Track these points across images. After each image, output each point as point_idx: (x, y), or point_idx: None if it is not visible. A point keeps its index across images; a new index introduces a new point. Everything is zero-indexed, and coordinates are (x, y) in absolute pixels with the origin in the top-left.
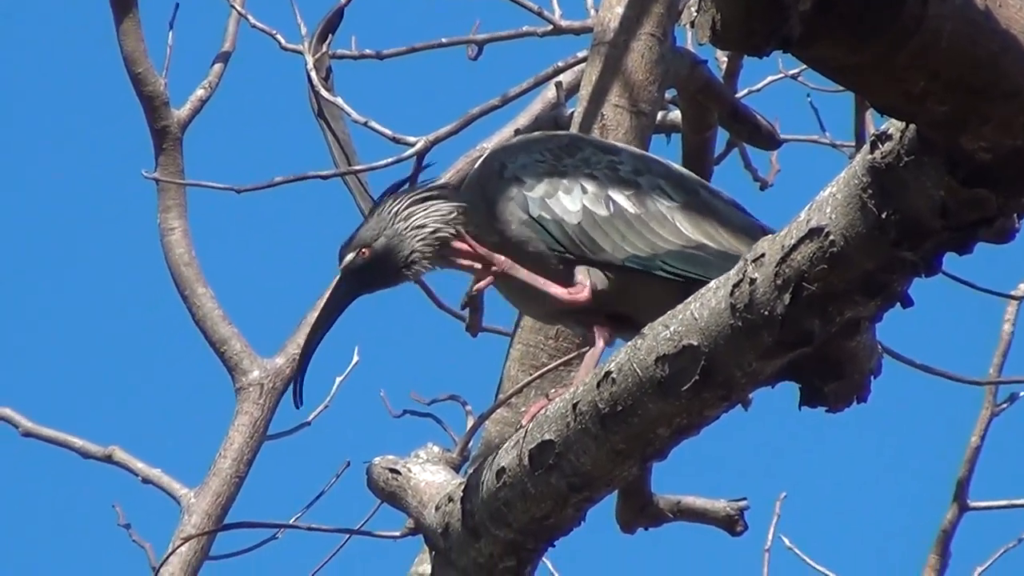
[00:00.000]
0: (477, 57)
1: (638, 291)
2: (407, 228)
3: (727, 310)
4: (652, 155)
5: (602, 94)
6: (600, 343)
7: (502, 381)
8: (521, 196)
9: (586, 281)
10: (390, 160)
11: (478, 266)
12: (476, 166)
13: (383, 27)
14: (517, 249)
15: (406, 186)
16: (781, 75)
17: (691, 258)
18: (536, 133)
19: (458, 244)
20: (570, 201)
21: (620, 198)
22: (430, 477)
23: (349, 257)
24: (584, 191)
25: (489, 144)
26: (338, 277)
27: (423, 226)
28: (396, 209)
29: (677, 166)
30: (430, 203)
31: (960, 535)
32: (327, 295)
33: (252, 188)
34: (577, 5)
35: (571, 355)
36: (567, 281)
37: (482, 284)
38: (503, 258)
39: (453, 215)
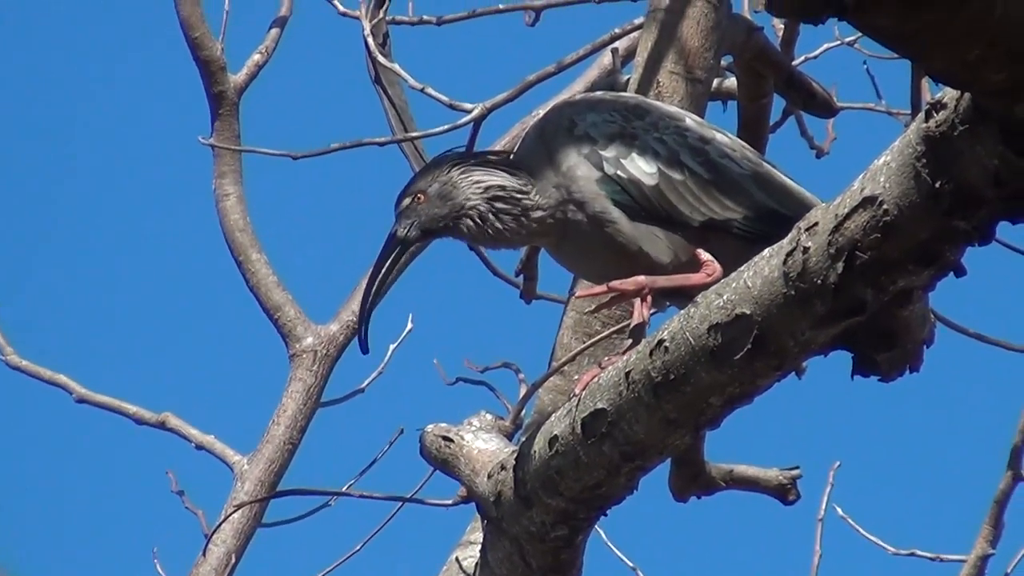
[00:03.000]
0: (535, 23)
1: (714, 250)
2: (465, 181)
3: (780, 279)
4: (711, 124)
5: (658, 61)
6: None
7: (555, 349)
8: (595, 154)
9: (710, 258)
10: (446, 127)
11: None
12: (537, 120)
13: None
14: (578, 205)
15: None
16: (837, 42)
17: (766, 218)
18: (599, 93)
19: (591, 293)
20: (645, 163)
21: (692, 163)
22: (483, 445)
23: (406, 201)
24: (657, 155)
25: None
26: (394, 222)
27: (480, 182)
28: (456, 163)
29: (733, 136)
30: (490, 168)
31: (1014, 504)
32: (384, 242)
33: (308, 155)
34: None
35: (624, 323)
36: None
37: (646, 312)
38: (641, 279)
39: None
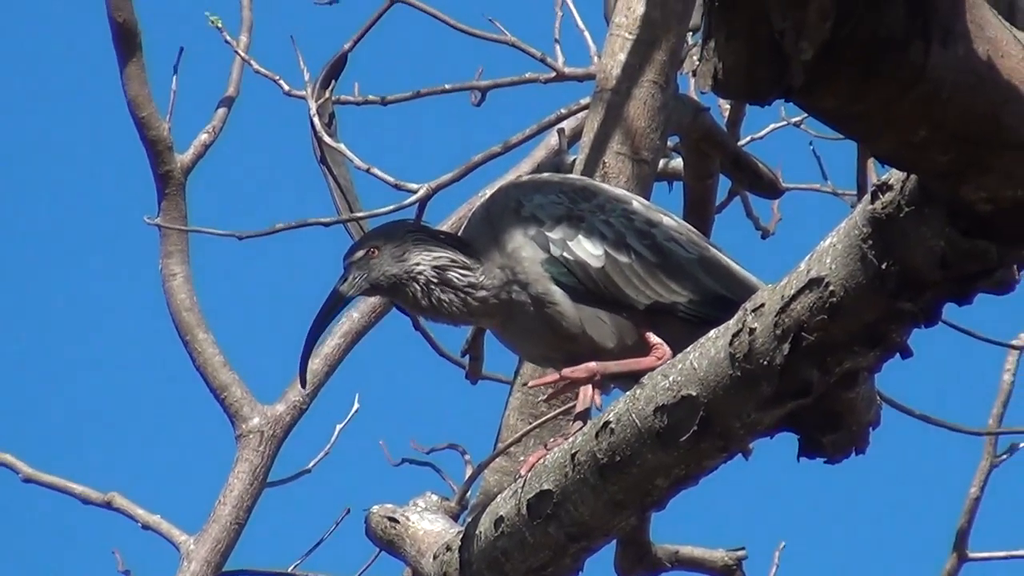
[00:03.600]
0: (480, 103)
1: (659, 333)
2: (418, 248)
3: (726, 360)
4: (657, 206)
5: (604, 141)
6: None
7: (501, 430)
8: (542, 236)
9: (659, 341)
10: (392, 207)
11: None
12: (484, 201)
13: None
14: (523, 286)
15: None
16: (783, 123)
17: (711, 302)
18: (546, 174)
19: (544, 382)
20: (592, 246)
21: (639, 246)
22: (428, 526)
23: (359, 253)
24: (604, 237)
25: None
26: (342, 272)
27: (431, 251)
28: (412, 231)
29: (679, 218)
30: (441, 243)
31: None
32: (328, 295)
33: (254, 234)
34: (580, 52)
35: (570, 404)
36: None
37: (598, 399)
38: (592, 365)
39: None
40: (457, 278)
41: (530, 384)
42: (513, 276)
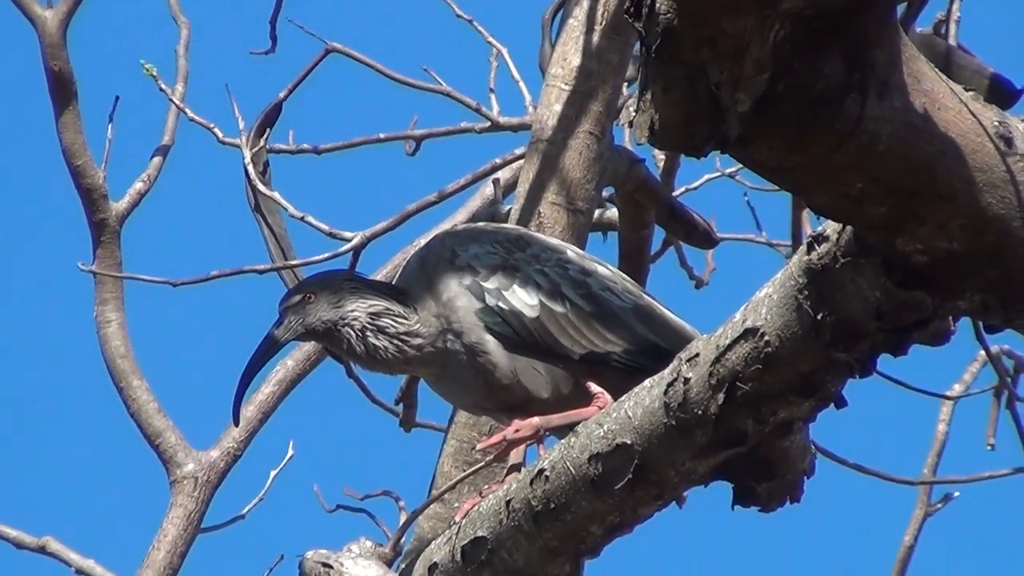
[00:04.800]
0: (415, 152)
1: (595, 382)
2: (354, 295)
3: (661, 409)
4: (591, 256)
5: (539, 191)
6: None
7: (435, 477)
8: (477, 285)
9: (600, 390)
10: (326, 255)
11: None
12: (419, 250)
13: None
14: (456, 335)
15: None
16: (718, 173)
17: (646, 351)
18: (481, 224)
19: (490, 444)
20: (527, 295)
21: (574, 296)
22: (362, 572)
23: (296, 298)
24: (539, 287)
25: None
26: (278, 317)
27: (367, 299)
28: (349, 280)
29: (614, 268)
30: (377, 292)
31: None
32: (262, 339)
33: (188, 282)
34: (515, 102)
35: (504, 451)
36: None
37: (542, 452)
38: (535, 421)
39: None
40: (392, 325)
41: (478, 448)
42: (448, 325)
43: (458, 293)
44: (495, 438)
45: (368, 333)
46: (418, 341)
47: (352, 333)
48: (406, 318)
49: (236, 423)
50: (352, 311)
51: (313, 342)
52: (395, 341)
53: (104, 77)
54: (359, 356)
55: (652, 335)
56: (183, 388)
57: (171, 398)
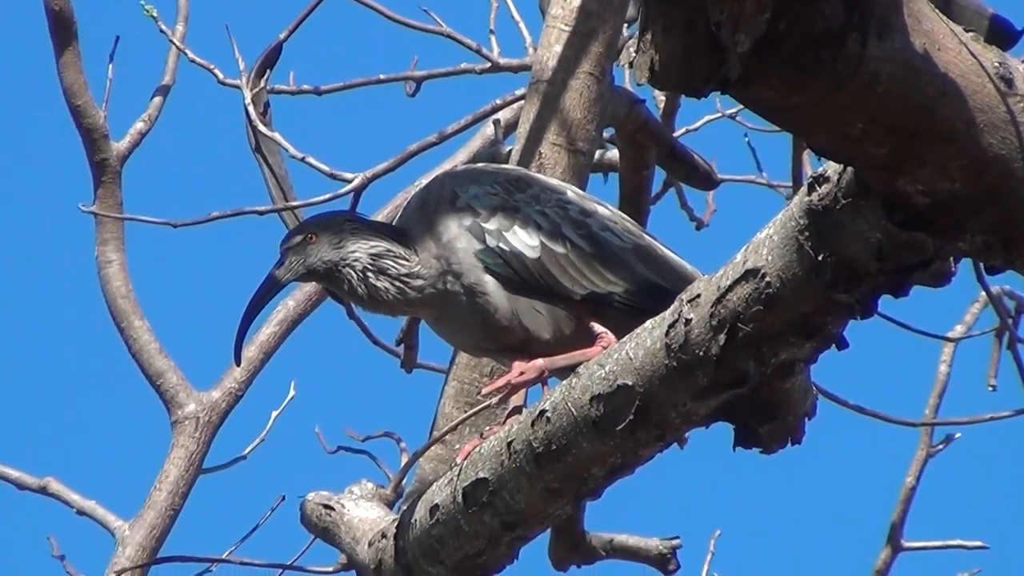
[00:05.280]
0: (415, 94)
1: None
2: (355, 237)
3: (662, 350)
4: (592, 196)
5: (540, 132)
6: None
7: (436, 418)
8: (477, 226)
9: (604, 330)
10: (327, 196)
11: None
12: (419, 191)
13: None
14: (456, 276)
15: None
16: (719, 115)
17: (647, 291)
18: (480, 164)
19: (495, 388)
20: (527, 236)
21: (574, 236)
22: (364, 513)
23: (297, 239)
24: (539, 227)
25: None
26: (279, 258)
27: (369, 241)
28: (350, 220)
29: (614, 208)
30: (379, 233)
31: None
32: (263, 280)
33: (189, 223)
34: (516, 43)
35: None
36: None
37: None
38: (539, 363)
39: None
40: (393, 267)
41: (483, 391)
42: (447, 266)
43: (458, 234)
44: (500, 381)
45: (369, 274)
46: (419, 283)
47: (353, 274)
48: (407, 259)
49: (238, 363)
50: (353, 252)
51: (314, 283)
52: (396, 282)
53: (104, 17)
54: (360, 297)
55: (653, 275)
56: (184, 328)
57: (172, 338)
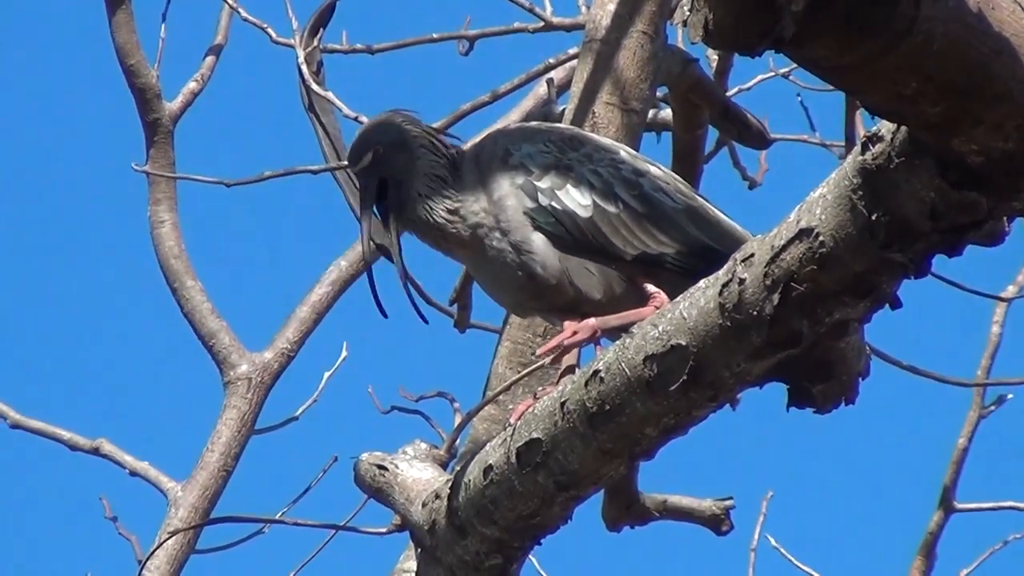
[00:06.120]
0: (468, 53)
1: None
2: (421, 154)
3: (716, 310)
4: (644, 156)
5: (593, 91)
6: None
7: (490, 378)
8: (530, 184)
9: (656, 290)
10: None
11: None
12: (472, 145)
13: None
14: (504, 234)
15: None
16: (772, 74)
17: (698, 253)
18: (533, 123)
19: (548, 348)
20: (580, 195)
21: (627, 196)
22: (417, 474)
23: (367, 157)
24: (592, 187)
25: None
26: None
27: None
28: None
29: (666, 169)
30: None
31: (946, 537)
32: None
33: (242, 182)
34: (569, 2)
35: (562, 353)
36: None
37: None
38: (592, 322)
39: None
40: (446, 200)
41: (538, 352)
42: (496, 223)
43: (509, 192)
44: (553, 342)
45: (422, 196)
46: (459, 225)
47: (415, 193)
48: (459, 200)
49: (384, 315)
50: (421, 165)
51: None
52: (443, 214)
53: None
54: (418, 219)
55: (704, 236)
56: (236, 289)
57: (225, 299)
